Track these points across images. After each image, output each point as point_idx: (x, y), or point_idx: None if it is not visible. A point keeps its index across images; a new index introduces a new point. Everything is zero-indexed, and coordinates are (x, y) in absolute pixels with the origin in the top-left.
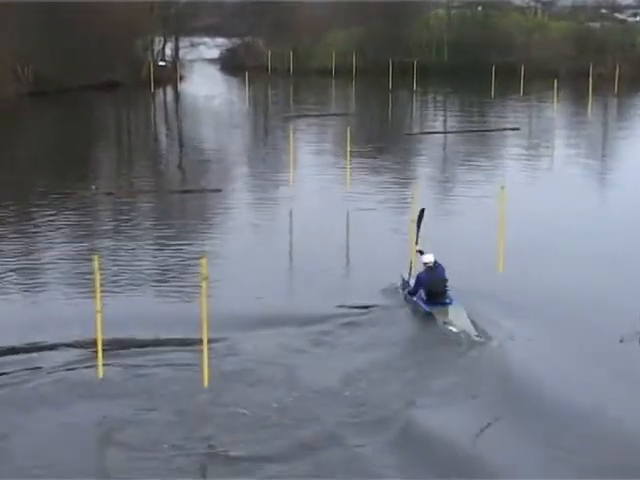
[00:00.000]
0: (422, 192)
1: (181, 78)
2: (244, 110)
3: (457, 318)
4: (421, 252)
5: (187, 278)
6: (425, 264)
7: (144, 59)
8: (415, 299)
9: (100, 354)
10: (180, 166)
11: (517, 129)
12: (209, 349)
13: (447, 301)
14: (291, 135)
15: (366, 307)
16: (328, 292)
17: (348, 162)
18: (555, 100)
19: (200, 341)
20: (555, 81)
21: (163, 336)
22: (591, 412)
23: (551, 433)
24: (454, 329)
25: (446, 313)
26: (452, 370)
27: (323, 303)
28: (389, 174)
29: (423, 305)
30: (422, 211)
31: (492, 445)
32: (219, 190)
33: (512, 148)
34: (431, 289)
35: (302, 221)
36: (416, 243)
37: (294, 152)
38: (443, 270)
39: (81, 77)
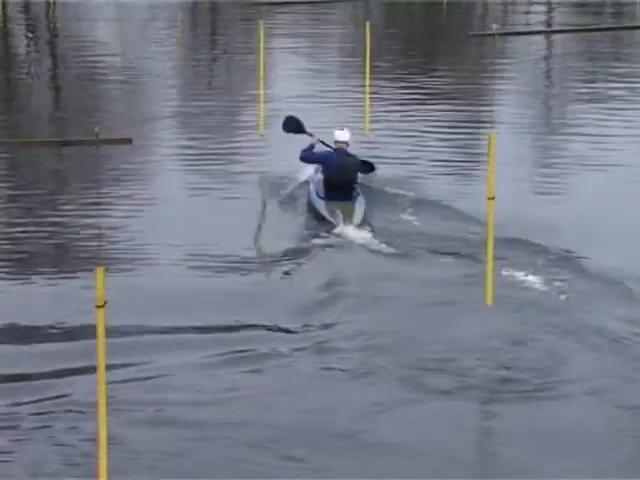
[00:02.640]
0: (503, 142)
1: None
2: None
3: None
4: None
5: (73, 301)
6: (337, 142)
7: None
8: (310, 195)
9: None
10: (56, 98)
11: None
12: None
13: (354, 194)
14: (261, 38)
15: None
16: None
17: (367, 87)
18: None
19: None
20: None
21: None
22: None
23: None
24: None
25: (347, 211)
26: None
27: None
28: (440, 108)
29: (318, 200)
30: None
31: None
32: (127, 141)
33: None
34: (335, 176)
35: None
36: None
37: (265, 71)
38: (358, 164)
39: None
